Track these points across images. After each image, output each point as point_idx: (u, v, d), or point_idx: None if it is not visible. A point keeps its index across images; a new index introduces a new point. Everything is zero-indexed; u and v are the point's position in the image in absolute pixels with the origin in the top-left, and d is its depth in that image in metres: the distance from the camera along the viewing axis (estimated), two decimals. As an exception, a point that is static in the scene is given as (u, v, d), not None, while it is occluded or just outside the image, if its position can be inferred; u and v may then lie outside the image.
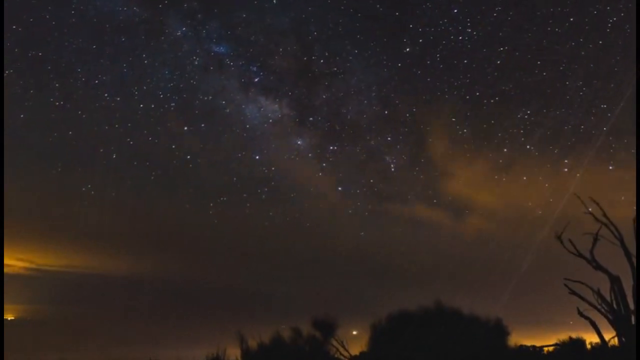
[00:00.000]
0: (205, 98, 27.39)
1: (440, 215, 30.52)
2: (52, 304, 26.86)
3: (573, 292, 12.10)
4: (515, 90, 29.21)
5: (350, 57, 28.17)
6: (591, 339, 12.62)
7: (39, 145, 25.73)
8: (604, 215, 12.09)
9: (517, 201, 30.56)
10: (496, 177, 30.69)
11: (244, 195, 29.18)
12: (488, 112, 29.81)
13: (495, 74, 29.37)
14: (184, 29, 26.48)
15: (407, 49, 28.33)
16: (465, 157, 30.58)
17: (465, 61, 29.02)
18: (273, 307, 28.41)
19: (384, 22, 27.89)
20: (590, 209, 12.05)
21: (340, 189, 29.85)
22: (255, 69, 27.72)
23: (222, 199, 29.24)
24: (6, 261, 24.20)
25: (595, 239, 11.96)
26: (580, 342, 12.63)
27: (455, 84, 29.43)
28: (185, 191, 28.02)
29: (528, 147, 29.61)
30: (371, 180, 30.23)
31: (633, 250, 11.50)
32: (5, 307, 23.43)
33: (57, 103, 25.52)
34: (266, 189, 29.32)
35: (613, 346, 11.81)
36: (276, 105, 28.18)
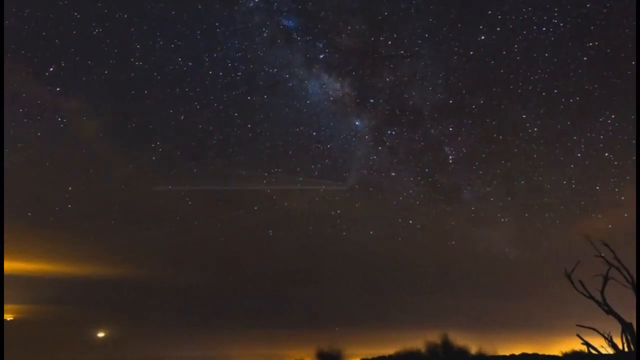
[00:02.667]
0: (270, 70, 28.01)
1: (491, 215, 29.21)
2: (52, 305, 27.15)
3: (586, 343, 11.16)
4: (600, 91, 26.74)
5: (420, 41, 27.24)
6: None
7: (117, 104, 27.84)
8: (615, 257, 10.97)
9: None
10: (564, 182, 28.65)
11: (297, 169, 29.79)
12: (565, 112, 27.65)
13: (580, 71, 27.05)
14: (256, 0, 27.02)
15: (483, 37, 26.82)
16: (532, 158, 28.76)
17: (547, 55, 26.96)
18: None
19: (460, 6, 26.51)
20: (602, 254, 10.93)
21: (393, 174, 29.49)
22: (321, 45, 27.76)
23: (276, 170, 30.09)
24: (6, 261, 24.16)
25: (606, 280, 10.91)
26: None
27: (532, 78, 27.54)
28: (241, 158, 29.15)
29: (606, 154, 27.27)
30: (426, 170, 29.52)
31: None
32: (5, 307, 23.53)
33: (137, 63, 27.40)
34: (319, 166, 29.73)
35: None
36: (338, 84, 28.16)
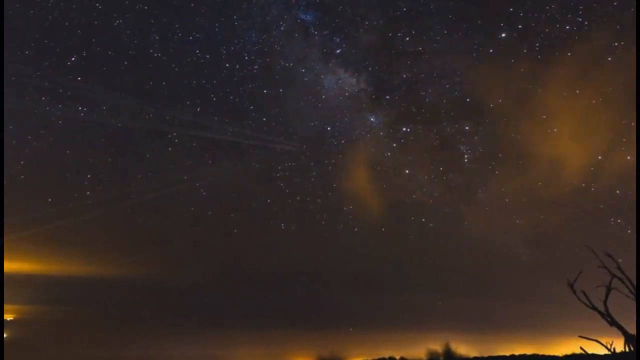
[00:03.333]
0: (287, 64, 28.05)
1: (505, 216, 28.75)
2: (51, 305, 27.26)
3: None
4: (625, 94, 25.96)
5: (438, 38, 26.85)
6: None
7: (136, 94, 28.31)
8: (618, 268, 10.65)
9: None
10: (584, 184, 28.05)
11: (311, 163, 29.86)
12: (585, 112, 26.96)
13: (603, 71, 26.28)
14: (274, -7, 27.05)
15: (503, 35, 26.28)
16: (551, 159, 28.16)
17: (569, 54, 26.26)
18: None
19: (480, 3, 25.99)
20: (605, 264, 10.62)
21: (407, 171, 29.29)
22: (338, 40, 27.64)
23: (289, 163, 30.22)
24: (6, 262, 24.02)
25: (608, 290, 10.61)
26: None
27: (553, 78, 26.87)
28: (255, 151, 29.36)
29: (629, 157, 26.56)
30: (440, 168, 29.22)
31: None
32: (5, 307, 23.41)
33: (155, 55, 27.77)
34: (333, 161, 29.73)
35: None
36: (354, 79, 28.02)
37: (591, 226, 27.31)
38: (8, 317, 24.57)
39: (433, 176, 29.45)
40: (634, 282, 10.51)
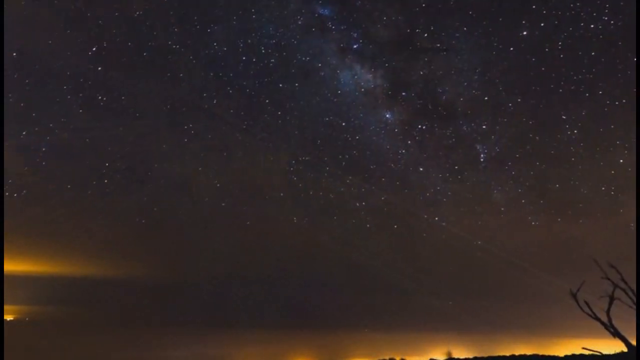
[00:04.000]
0: (303, 58, 27.99)
1: (521, 218, 28.31)
2: (51, 306, 27.39)
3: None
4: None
5: (457, 35, 26.40)
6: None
7: (154, 85, 28.68)
8: (622, 279, 10.36)
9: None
10: (604, 188, 27.41)
11: (325, 158, 29.86)
12: (609, 115, 26.24)
13: (629, 72, 25.48)
14: (293, -14, 26.96)
15: (525, 32, 25.67)
16: (569, 161, 27.54)
17: (593, 54, 25.53)
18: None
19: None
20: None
21: (421, 169, 29.06)
22: (355, 35, 27.43)
23: (303, 158, 30.28)
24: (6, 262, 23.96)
25: (611, 300, 10.33)
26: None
27: (575, 78, 26.21)
28: (270, 144, 29.49)
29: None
30: (456, 167, 28.90)
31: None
32: (5, 307, 23.34)
33: (174, 46, 28.06)
34: (347, 157, 29.68)
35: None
36: (370, 75, 27.83)
37: (611, 231, 26.72)
38: (8, 317, 24.67)
39: (448, 175, 29.16)
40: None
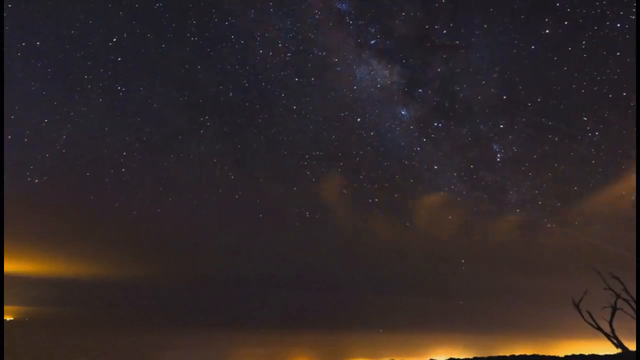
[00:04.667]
0: (320, 53, 27.92)
1: (536, 219, 27.78)
2: (50, 306, 27.46)
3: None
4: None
5: (477, 32, 25.91)
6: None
7: (171, 76, 29.03)
8: (625, 289, 10.05)
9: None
10: (624, 192, 26.72)
11: (339, 154, 29.84)
12: (633, 117, 25.46)
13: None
14: (311, -19, 26.82)
15: (547, 31, 25.01)
16: (589, 164, 26.88)
17: (618, 54, 24.74)
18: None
19: (525, -3, 24.80)
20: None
21: (436, 167, 28.80)
22: (373, 30, 27.20)
23: (317, 152, 30.32)
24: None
25: (614, 310, 10.05)
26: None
27: (599, 78, 25.46)
28: (284, 138, 29.59)
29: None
30: (471, 167, 28.54)
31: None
32: (5, 307, 23.16)
33: (192, 38, 28.30)
34: (362, 152, 29.59)
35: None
36: (387, 71, 27.60)
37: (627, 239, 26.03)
38: (8, 317, 24.68)
39: (463, 174, 28.83)
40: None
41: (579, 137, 26.85)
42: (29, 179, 27.48)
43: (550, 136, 26.27)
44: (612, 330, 10.54)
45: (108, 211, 30.44)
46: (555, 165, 27.42)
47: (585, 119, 25.89)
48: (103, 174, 29.59)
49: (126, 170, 29.50)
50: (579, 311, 10.89)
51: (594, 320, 10.74)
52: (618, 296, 10.46)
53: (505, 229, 28.45)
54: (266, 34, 28.36)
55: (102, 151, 29.08)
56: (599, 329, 10.64)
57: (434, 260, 29.41)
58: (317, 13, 27.67)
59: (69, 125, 28.71)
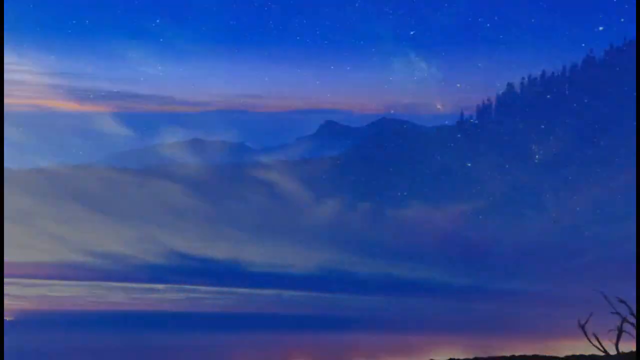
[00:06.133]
0: (357, 42, 27.75)
1: (573, 225, 26.62)
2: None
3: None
4: None
5: (523, 26, 24.87)
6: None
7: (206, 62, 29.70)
8: (632, 313, 9.45)
9: None
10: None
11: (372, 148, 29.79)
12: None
13: None
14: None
15: (601, 28, 23.74)
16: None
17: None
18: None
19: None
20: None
21: (469, 165, 28.28)
22: (413, 21, 26.68)
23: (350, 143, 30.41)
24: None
25: (620, 332, 9.50)
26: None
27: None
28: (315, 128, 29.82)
29: None
30: (506, 166, 27.83)
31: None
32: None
33: (231, 22, 28.84)
34: (393, 145, 29.44)
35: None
36: (424, 63, 27.10)
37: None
38: (8, 317, 23.32)
39: (497, 173, 28.08)
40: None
41: (627, 142, 25.39)
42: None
43: (594, 139, 25.03)
44: (619, 355, 10.16)
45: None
46: (598, 170, 26.22)
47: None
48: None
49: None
50: (585, 333, 10.52)
51: (600, 344, 10.38)
52: (624, 319, 10.02)
53: (537, 234, 27.55)
54: (304, 21, 28.64)
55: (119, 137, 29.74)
56: (605, 352, 10.28)
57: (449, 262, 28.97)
58: (356, 1, 27.30)
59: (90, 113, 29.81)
